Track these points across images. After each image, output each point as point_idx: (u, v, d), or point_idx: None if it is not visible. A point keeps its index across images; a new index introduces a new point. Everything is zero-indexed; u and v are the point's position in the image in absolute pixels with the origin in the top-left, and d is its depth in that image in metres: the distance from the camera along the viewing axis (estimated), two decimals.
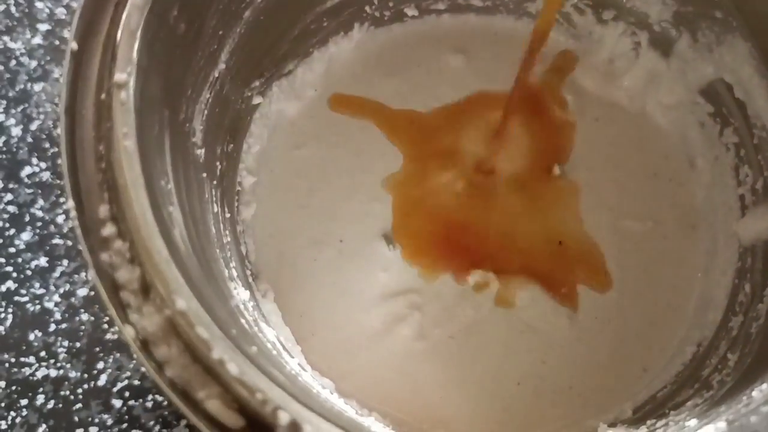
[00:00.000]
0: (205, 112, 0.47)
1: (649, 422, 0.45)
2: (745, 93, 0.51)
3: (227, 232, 0.50)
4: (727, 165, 0.54)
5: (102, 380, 0.55)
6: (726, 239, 0.53)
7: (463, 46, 0.62)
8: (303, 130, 0.58)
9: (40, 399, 0.55)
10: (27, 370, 0.55)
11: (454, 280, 0.55)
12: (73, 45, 0.37)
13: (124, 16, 0.37)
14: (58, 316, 0.57)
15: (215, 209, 0.48)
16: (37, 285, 0.58)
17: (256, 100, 0.55)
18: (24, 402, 0.55)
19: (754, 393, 0.37)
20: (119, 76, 0.36)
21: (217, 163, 0.50)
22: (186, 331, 0.33)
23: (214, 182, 0.49)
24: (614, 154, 0.60)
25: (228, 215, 0.51)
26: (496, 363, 0.53)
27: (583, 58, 0.60)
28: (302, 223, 0.56)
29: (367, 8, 0.58)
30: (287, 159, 0.57)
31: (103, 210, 0.35)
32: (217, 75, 0.48)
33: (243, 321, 0.41)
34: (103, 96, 0.36)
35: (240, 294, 0.46)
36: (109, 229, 0.34)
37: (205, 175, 0.47)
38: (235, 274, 0.48)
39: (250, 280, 0.51)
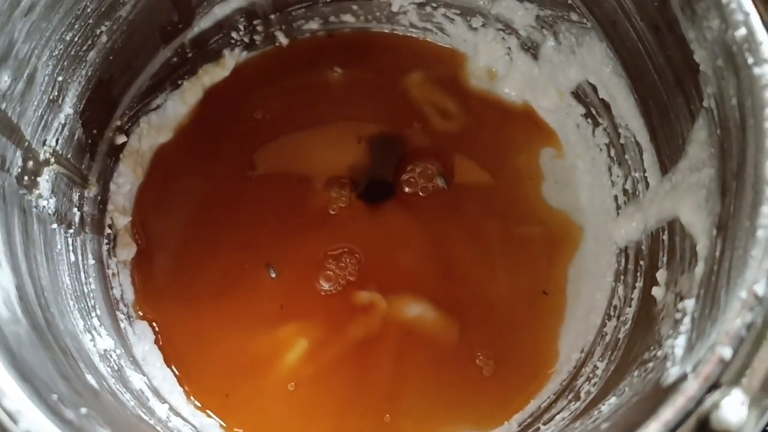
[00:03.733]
0: (52, 160, 0.46)
1: None
2: (608, 93, 0.51)
3: (90, 279, 0.49)
4: (602, 165, 0.54)
5: None
6: (605, 241, 0.53)
7: (340, 61, 0.61)
8: (178, 162, 0.57)
9: None
10: None
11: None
12: None
13: None
14: None
15: (72, 258, 0.47)
16: None
17: (120, 139, 0.54)
18: None
19: (603, 407, 0.37)
20: None
21: (75, 210, 0.49)
22: None
23: (71, 231, 0.48)
24: (500, 159, 0.59)
25: (92, 262, 0.50)
26: (388, 381, 0.53)
27: (464, 65, 0.60)
28: (184, 259, 0.55)
29: (234, 35, 0.57)
30: (163, 194, 0.56)
31: None
32: (63, 121, 0.47)
33: (90, 377, 0.40)
34: None
35: (99, 344, 0.45)
36: None
37: (55, 226, 0.46)
38: (97, 323, 0.47)
39: (123, 324, 0.51)
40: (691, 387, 0.32)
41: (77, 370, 0.40)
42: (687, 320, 0.36)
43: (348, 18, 0.60)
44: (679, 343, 0.35)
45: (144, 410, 0.44)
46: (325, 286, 0.54)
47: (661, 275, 0.44)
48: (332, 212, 0.56)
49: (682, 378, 0.33)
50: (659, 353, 0.37)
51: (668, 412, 0.32)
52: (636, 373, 0.38)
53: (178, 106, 0.57)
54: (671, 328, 0.38)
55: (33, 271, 0.41)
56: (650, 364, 0.37)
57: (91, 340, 0.45)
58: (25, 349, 0.35)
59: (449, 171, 0.58)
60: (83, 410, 0.35)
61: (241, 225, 0.56)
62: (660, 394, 0.33)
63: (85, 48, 0.47)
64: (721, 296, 0.34)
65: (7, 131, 0.41)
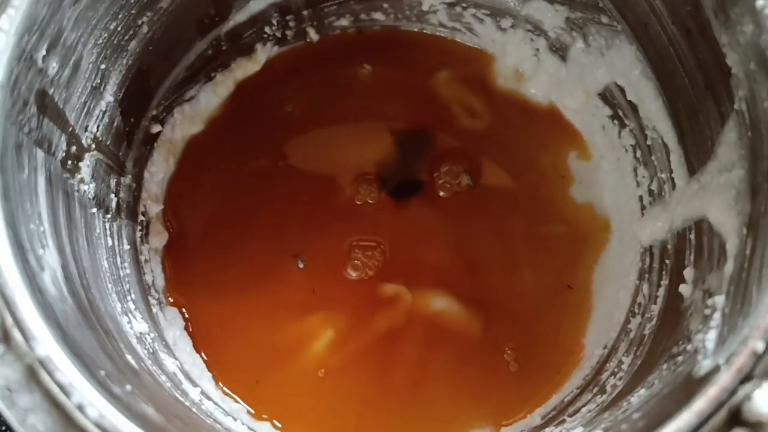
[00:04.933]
0: (93, 146, 0.47)
1: (547, 430, 0.45)
2: (636, 95, 0.52)
3: (125, 264, 0.50)
4: (627, 166, 0.55)
5: None
6: (629, 240, 0.54)
7: (369, 58, 0.62)
8: (210, 154, 0.58)
9: None
10: None
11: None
12: None
13: None
14: None
15: (110, 243, 0.48)
16: None
17: (155, 128, 0.55)
18: None
19: (633, 399, 0.38)
20: None
21: (112, 196, 0.50)
22: (46, 378, 0.32)
23: (108, 216, 0.49)
24: (526, 159, 0.60)
25: (127, 247, 0.51)
26: (412, 372, 0.53)
27: (491, 65, 0.61)
28: (213, 247, 0.56)
29: (267, 29, 0.58)
30: (194, 183, 0.57)
31: None
32: (104, 109, 0.48)
33: (130, 357, 0.41)
34: None
35: (135, 327, 0.46)
36: None
37: (95, 210, 0.47)
38: (132, 306, 0.48)
39: (155, 310, 0.51)
40: (724, 378, 0.33)
41: (118, 350, 0.41)
42: (717, 315, 0.37)
43: (378, 16, 0.61)
44: (710, 337, 0.36)
45: (179, 392, 0.45)
46: (352, 275, 0.55)
47: (688, 273, 0.45)
48: (359, 206, 0.57)
49: (715, 370, 0.33)
50: (689, 347, 0.38)
51: (701, 402, 0.33)
52: (665, 366, 0.39)
53: (210, 97, 0.58)
54: (700, 323, 0.39)
55: (76, 253, 0.42)
56: (680, 358, 0.38)
57: (128, 323, 0.46)
58: (73, 327, 0.36)
59: (475, 169, 0.59)
60: (128, 387, 0.36)
61: (269, 215, 0.57)
62: (692, 386, 0.34)
63: (126, 37, 0.48)
64: (752, 292, 0.35)
65: (53, 116, 0.42)
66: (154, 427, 0.33)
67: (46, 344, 0.33)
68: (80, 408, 0.32)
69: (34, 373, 0.33)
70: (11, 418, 0.32)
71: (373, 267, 0.55)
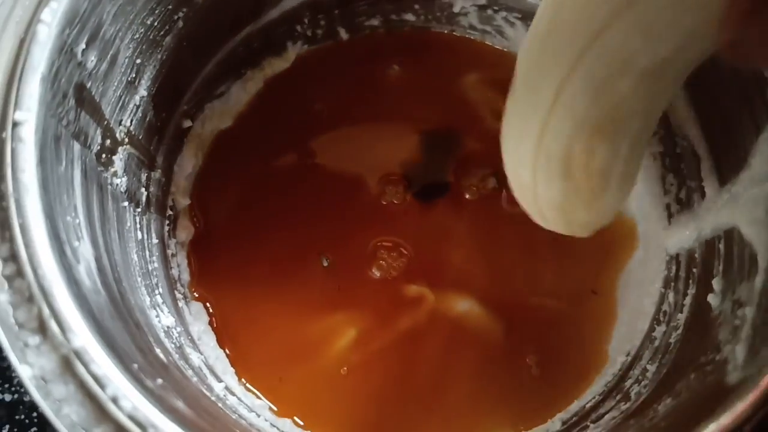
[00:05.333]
0: (126, 140, 0.47)
1: None
2: None
3: (154, 258, 0.50)
4: (654, 174, 0.55)
5: None
6: (655, 248, 0.54)
7: (398, 59, 0.62)
8: (238, 150, 0.59)
9: None
10: None
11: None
12: None
13: (25, 52, 0.37)
14: None
15: (139, 236, 0.49)
16: None
17: (186, 123, 0.55)
18: None
19: (660, 407, 0.38)
20: (19, 115, 0.36)
21: (143, 190, 0.50)
22: (81, 369, 0.33)
23: (138, 210, 0.49)
24: None
25: (156, 241, 0.51)
26: (433, 374, 0.54)
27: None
28: (238, 243, 0.56)
29: (298, 27, 0.59)
30: (222, 180, 0.57)
31: (3, 249, 0.35)
32: (137, 103, 0.48)
33: (159, 351, 0.42)
34: (3, 134, 0.36)
35: (163, 321, 0.46)
36: (8, 269, 0.35)
37: (126, 203, 0.47)
38: (160, 300, 0.48)
39: (181, 304, 0.52)
40: (754, 395, 0.33)
41: (148, 343, 0.41)
42: (747, 327, 0.37)
43: (409, 16, 0.61)
44: (740, 348, 0.36)
45: (205, 387, 0.46)
46: (376, 275, 0.55)
47: (717, 283, 0.45)
48: (384, 206, 0.57)
49: (745, 381, 0.33)
50: (718, 357, 0.38)
51: (728, 416, 0.33)
52: (693, 375, 0.39)
53: (240, 94, 0.59)
54: (730, 333, 0.39)
55: (108, 246, 0.43)
56: (708, 368, 0.38)
57: (156, 317, 0.46)
58: (107, 320, 0.37)
59: (502, 172, 0.59)
60: (159, 381, 0.36)
61: (294, 213, 0.57)
62: (721, 397, 0.34)
63: (162, 33, 0.48)
64: None
65: (90, 109, 0.42)
66: (185, 421, 0.34)
67: (82, 336, 0.33)
68: (114, 400, 0.32)
69: (69, 364, 0.33)
70: (46, 408, 0.33)
71: (397, 267, 0.55)
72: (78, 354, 0.33)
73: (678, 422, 0.35)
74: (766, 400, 0.32)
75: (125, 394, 0.33)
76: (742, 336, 0.37)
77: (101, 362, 0.33)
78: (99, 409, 0.33)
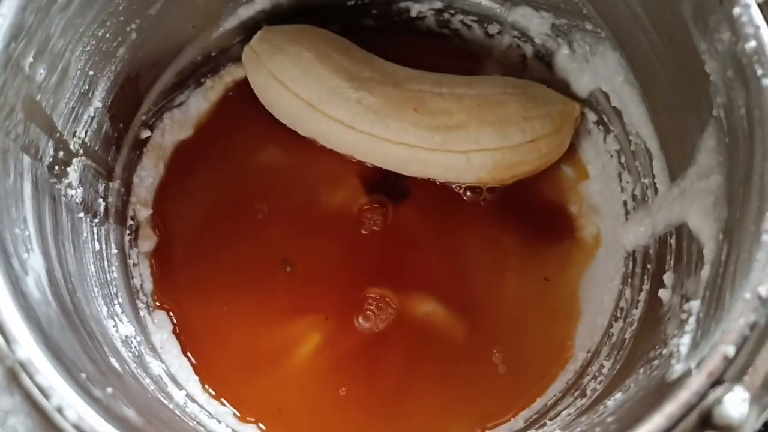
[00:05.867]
0: (81, 152, 0.47)
1: None
2: (620, 101, 0.53)
3: (113, 268, 0.50)
4: (612, 172, 0.55)
5: None
6: (614, 245, 0.54)
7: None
8: (199, 159, 0.59)
9: None
10: None
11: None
12: None
13: None
14: None
15: (97, 247, 0.49)
16: None
17: (144, 134, 0.55)
18: None
19: (609, 402, 0.39)
20: None
21: (100, 201, 0.50)
22: (26, 380, 0.33)
23: (96, 220, 0.49)
24: None
25: (115, 251, 0.51)
26: (398, 376, 0.54)
27: (477, 71, 0.61)
28: (202, 251, 0.57)
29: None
30: (183, 188, 0.58)
31: None
32: (92, 114, 0.48)
33: (113, 360, 0.42)
34: None
35: (121, 330, 0.47)
36: None
37: (82, 215, 0.47)
38: (119, 310, 0.48)
39: (143, 313, 0.52)
40: (695, 382, 0.33)
41: (102, 353, 0.41)
42: (692, 320, 0.38)
43: (368, 21, 0.61)
44: (684, 341, 0.37)
45: (163, 395, 0.46)
46: (340, 279, 0.55)
47: (668, 278, 0.45)
48: (346, 209, 0.57)
49: (687, 374, 0.34)
50: (664, 351, 0.38)
51: (672, 406, 0.33)
52: (642, 370, 0.40)
53: (200, 103, 0.59)
54: (677, 327, 0.39)
55: (61, 257, 0.43)
56: (655, 362, 0.39)
57: (113, 326, 0.46)
58: (56, 330, 0.37)
59: None
60: (109, 390, 0.36)
61: (256, 220, 0.58)
62: (664, 389, 0.34)
63: (115, 44, 0.48)
64: (726, 297, 0.35)
65: (41, 122, 0.43)
66: (134, 429, 0.34)
67: (27, 347, 0.33)
68: (59, 410, 0.33)
69: (14, 376, 0.33)
70: None
71: (361, 271, 0.56)
72: (23, 365, 0.33)
73: (623, 417, 0.36)
74: (705, 393, 0.33)
75: (70, 404, 0.33)
76: (686, 329, 0.37)
77: (47, 373, 0.33)
78: (45, 420, 0.33)
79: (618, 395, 0.39)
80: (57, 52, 0.43)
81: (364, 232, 0.57)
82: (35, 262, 0.39)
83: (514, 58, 0.60)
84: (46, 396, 0.33)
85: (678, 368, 0.35)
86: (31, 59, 0.41)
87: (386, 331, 0.55)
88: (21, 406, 0.33)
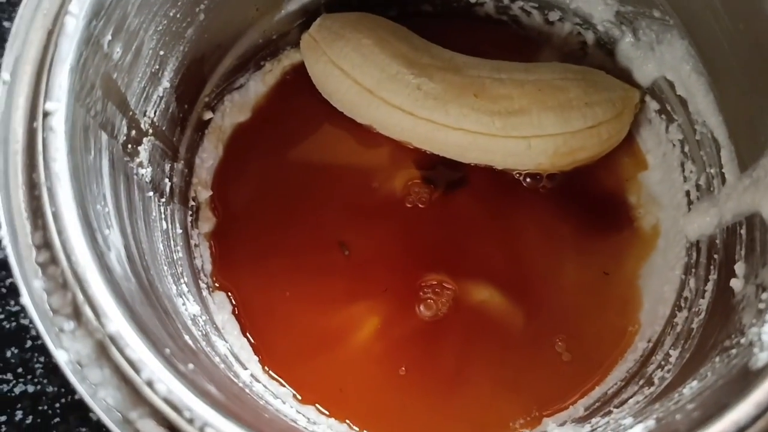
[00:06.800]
0: (150, 131, 0.48)
1: (593, 420, 0.45)
2: (686, 90, 0.52)
3: (178, 248, 0.50)
4: (673, 161, 0.55)
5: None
6: (674, 235, 0.54)
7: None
8: (257, 142, 0.59)
9: (19, 415, 0.56)
10: (5, 387, 0.56)
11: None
12: (5, 76, 0.38)
13: (53, 44, 0.38)
14: (34, 332, 0.58)
15: (164, 226, 0.49)
16: (12, 302, 0.58)
17: (207, 115, 0.55)
18: (3, 418, 0.56)
19: (685, 390, 0.38)
20: (49, 105, 0.37)
21: (166, 181, 0.51)
22: (116, 354, 0.33)
23: (163, 200, 0.50)
24: None
25: (180, 231, 0.52)
26: (455, 361, 0.54)
27: (534, 58, 0.61)
28: (259, 234, 0.57)
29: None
30: (242, 172, 0.58)
31: (37, 237, 0.35)
32: (161, 94, 0.49)
33: (187, 337, 0.42)
34: (34, 124, 0.37)
35: (189, 309, 0.47)
36: (42, 256, 0.35)
37: (151, 194, 0.48)
38: (185, 289, 0.49)
39: (205, 293, 0.52)
40: None
41: (177, 330, 0.41)
42: None
43: (426, 7, 0.61)
44: (766, 330, 0.36)
45: (232, 374, 0.46)
46: (398, 264, 0.56)
47: (739, 268, 0.45)
48: (403, 195, 0.57)
49: None
50: (743, 341, 0.38)
51: (760, 394, 0.33)
52: (717, 359, 0.39)
53: (258, 86, 0.59)
54: (754, 317, 0.39)
55: (136, 235, 0.43)
56: (733, 351, 0.38)
57: (183, 305, 0.46)
58: (138, 306, 0.37)
59: None
60: (190, 366, 0.37)
61: (314, 204, 0.58)
62: (750, 377, 0.34)
63: (184, 25, 0.49)
64: None
65: (116, 100, 0.43)
66: (218, 404, 0.34)
67: (116, 321, 0.34)
68: (149, 384, 0.33)
69: (104, 349, 0.34)
70: (82, 391, 0.33)
71: (418, 256, 0.56)
72: (113, 339, 0.33)
73: (705, 404, 0.36)
74: None
75: (160, 377, 0.33)
76: (766, 318, 0.37)
77: (136, 347, 0.33)
78: (134, 393, 0.33)
79: (694, 383, 0.39)
80: (132, 30, 0.43)
81: (421, 218, 0.57)
82: (115, 238, 0.39)
83: (574, 45, 0.59)
84: (136, 370, 0.33)
85: (762, 356, 0.35)
86: (109, 37, 0.41)
87: (444, 316, 0.55)
88: (110, 379, 0.33)
